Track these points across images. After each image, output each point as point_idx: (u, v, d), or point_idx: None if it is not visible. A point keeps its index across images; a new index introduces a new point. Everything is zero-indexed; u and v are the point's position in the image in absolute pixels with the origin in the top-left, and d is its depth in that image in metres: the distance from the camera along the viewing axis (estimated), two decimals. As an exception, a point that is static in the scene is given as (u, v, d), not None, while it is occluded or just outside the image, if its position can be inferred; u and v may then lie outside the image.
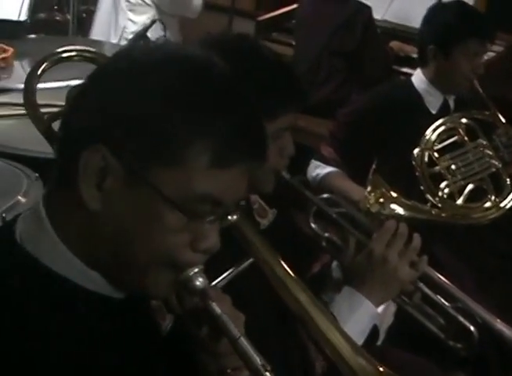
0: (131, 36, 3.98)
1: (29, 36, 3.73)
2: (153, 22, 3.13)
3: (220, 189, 1.01)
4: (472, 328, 1.81)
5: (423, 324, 1.83)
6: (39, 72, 1.75)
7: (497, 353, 2.32)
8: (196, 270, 1.06)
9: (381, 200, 2.26)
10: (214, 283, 1.18)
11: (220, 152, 0.99)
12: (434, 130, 2.59)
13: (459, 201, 2.53)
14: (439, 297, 1.82)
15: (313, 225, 1.81)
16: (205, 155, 0.99)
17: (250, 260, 1.25)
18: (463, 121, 2.61)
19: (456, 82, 2.75)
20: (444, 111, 2.77)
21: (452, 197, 2.54)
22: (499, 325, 1.83)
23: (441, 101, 2.78)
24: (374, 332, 1.72)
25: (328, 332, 1.39)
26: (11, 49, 3.23)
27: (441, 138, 2.59)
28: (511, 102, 3.07)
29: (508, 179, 2.59)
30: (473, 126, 2.61)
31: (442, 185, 2.54)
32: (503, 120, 2.69)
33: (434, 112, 2.77)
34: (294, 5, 4.59)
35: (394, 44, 4.28)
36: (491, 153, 2.60)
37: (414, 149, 2.59)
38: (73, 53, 1.80)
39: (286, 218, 1.83)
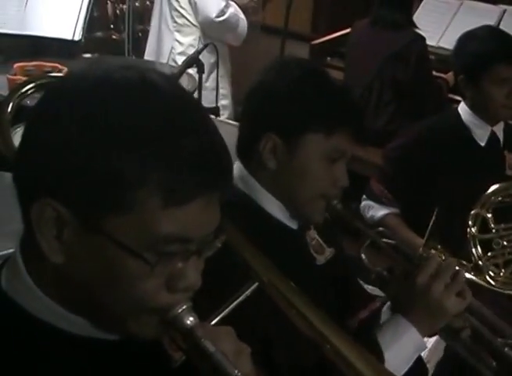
0: (178, 57, 4.09)
1: (83, 55, 3.79)
2: (205, 45, 3.14)
3: (183, 226, 0.94)
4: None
5: (472, 365, 1.78)
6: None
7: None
8: (184, 307, 1.00)
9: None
10: (215, 315, 1.13)
11: (172, 189, 0.92)
12: (493, 192, 2.55)
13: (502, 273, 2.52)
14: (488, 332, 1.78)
15: (363, 257, 1.80)
16: (156, 195, 0.91)
17: (255, 285, 1.20)
18: None
19: (492, 111, 2.69)
20: (493, 143, 2.74)
21: (497, 266, 2.53)
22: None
23: (489, 133, 2.73)
24: (422, 367, 1.70)
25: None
26: (65, 69, 3.27)
27: (499, 203, 2.55)
28: None
29: None
30: None
31: (490, 254, 2.53)
32: None
33: (482, 144, 2.73)
34: (349, 29, 4.58)
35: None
36: None
37: (464, 183, 2.58)
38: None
39: (342, 258, 1.83)
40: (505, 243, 2.53)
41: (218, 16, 3.93)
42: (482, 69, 2.61)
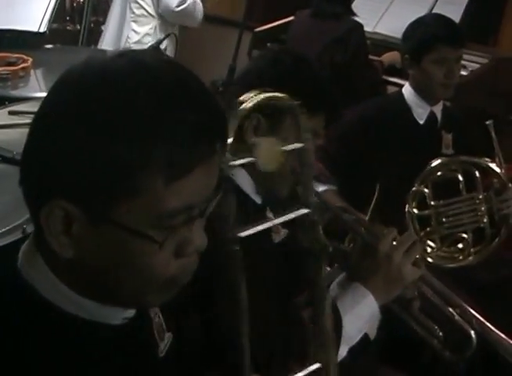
0: (133, 45, 4.28)
1: (46, 46, 3.88)
2: (167, 35, 3.29)
3: (186, 197, 0.95)
4: (472, 333, 1.82)
5: (418, 334, 1.83)
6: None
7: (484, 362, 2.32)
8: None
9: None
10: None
11: (173, 164, 0.93)
12: (434, 168, 2.62)
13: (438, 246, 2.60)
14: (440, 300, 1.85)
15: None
16: (159, 174, 0.92)
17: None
18: (465, 166, 2.63)
19: (432, 90, 2.86)
20: (431, 122, 2.91)
21: (434, 241, 2.61)
22: (495, 334, 1.85)
23: (428, 112, 2.90)
24: (366, 342, 1.73)
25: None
26: (30, 59, 3.36)
27: (436, 176, 2.62)
28: (493, 115, 3.10)
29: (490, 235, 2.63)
30: (475, 173, 2.62)
31: (427, 229, 2.61)
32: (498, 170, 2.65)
33: (421, 122, 2.90)
34: (290, 18, 4.77)
35: (390, 54, 4.41)
36: (483, 209, 2.62)
37: (403, 160, 2.71)
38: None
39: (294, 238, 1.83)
40: (443, 219, 2.62)
41: (178, 6, 4.20)
42: (425, 49, 2.81)
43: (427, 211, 2.62)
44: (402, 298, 1.77)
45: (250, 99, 1.16)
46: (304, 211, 1.22)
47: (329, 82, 1.86)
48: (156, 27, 4.35)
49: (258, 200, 1.79)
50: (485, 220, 2.63)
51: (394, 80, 4.34)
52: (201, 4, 4.36)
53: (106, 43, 4.51)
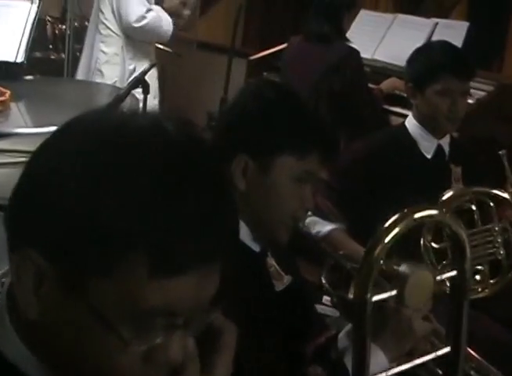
0: (103, 66, 4.23)
1: (25, 77, 3.74)
2: (152, 66, 3.16)
3: (170, 300, 0.83)
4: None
5: None
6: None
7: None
8: None
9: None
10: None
11: (161, 257, 0.81)
12: (448, 199, 2.49)
13: None
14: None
15: (324, 281, 1.79)
16: (144, 261, 0.81)
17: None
18: (480, 196, 2.52)
19: (436, 123, 2.74)
20: (439, 156, 2.78)
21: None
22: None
23: (436, 145, 2.77)
24: None
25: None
26: (8, 92, 3.20)
27: (452, 207, 2.48)
28: (502, 144, 3.02)
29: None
30: (489, 203, 2.52)
31: (443, 262, 2.49)
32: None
33: (429, 157, 2.77)
34: (284, 45, 4.64)
35: (389, 81, 4.29)
36: (500, 240, 2.52)
37: (412, 196, 2.52)
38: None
39: (299, 285, 1.81)
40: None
41: (137, 21, 4.09)
42: (429, 78, 2.67)
43: (443, 244, 2.49)
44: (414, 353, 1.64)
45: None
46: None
47: (320, 117, 1.80)
48: (123, 47, 4.25)
49: (256, 248, 1.69)
50: (502, 252, 2.52)
51: (395, 109, 4.20)
52: (170, 20, 4.26)
53: (82, 68, 4.41)
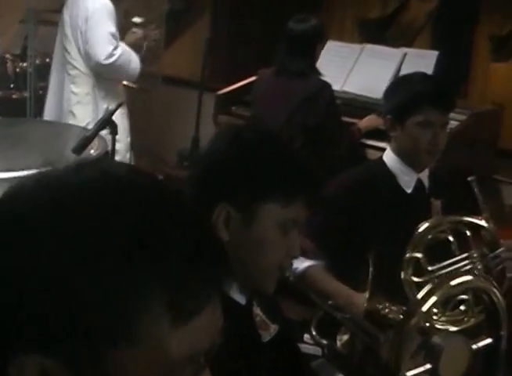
0: (74, 107, 4.20)
1: None
2: (118, 105, 3.08)
3: (195, 342, 0.79)
4: None
5: None
6: None
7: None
8: None
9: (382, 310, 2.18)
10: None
11: (177, 305, 0.76)
12: (423, 232, 2.48)
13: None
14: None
15: (314, 332, 1.74)
16: (162, 317, 0.76)
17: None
18: (457, 225, 2.50)
19: (416, 156, 2.69)
20: (419, 190, 2.73)
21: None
22: None
23: (415, 180, 2.72)
24: None
25: None
26: None
27: (430, 241, 2.49)
28: (478, 173, 2.94)
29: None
30: (466, 232, 2.49)
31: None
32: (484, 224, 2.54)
33: (409, 191, 2.72)
34: (252, 78, 4.61)
35: (368, 119, 4.24)
36: (480, 267, 2.49)
37: (393, 231, 2.55)
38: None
39: (287, 333, 1.74)
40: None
41: (107, 59, 4.06)
42: (410, 110, 2.62)
43: (425, 277, 2.47)
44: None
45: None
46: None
47: (304, 160, 1.75)
48: (94, 86, 4.21)
49: (242, 300, 1.62)
50: (485, 280, 2.42)
51: (372, 143, 4.16)
52: (137, 57, 4.26)
53: (50, 109, 4.35)
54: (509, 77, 12.64)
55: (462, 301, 2.46)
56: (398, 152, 2.71)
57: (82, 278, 0.73)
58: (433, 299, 1.25)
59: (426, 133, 2.62)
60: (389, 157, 2.75)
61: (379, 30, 8.73)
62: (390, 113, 2.70)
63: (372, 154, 4.05)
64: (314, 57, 4.11)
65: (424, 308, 1.24)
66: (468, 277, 1.31)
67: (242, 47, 6.11)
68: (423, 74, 2.86)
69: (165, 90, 5.24)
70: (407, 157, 2.70)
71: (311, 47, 4.07)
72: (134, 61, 4.20)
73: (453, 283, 1.28)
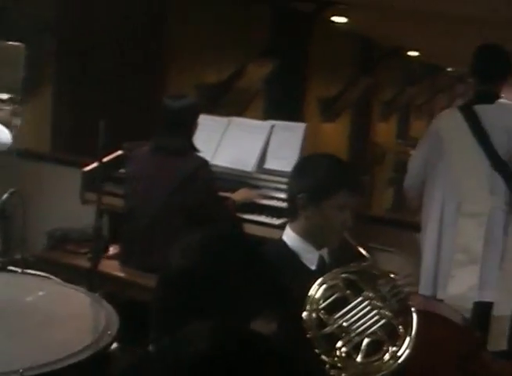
0: None
1: None
2: (11, 193, 2.90)
3: None
4: None
5: None
6: None
7: None
8: None
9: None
10: None
11: None
12: (317, 290, 2.53)
13: (358, 358, 2.46)
14: None
15: None
16: None
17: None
18: (343, 275, 2.57)
19: (327, 235, 2.72)
20: (322, 266, 2.73)
21: (350, 354, 2.47)
22: None
23: (318, 256, 2.73)
24: None
25: None
26: None
27: (325, 296, 2.52)
28: None
29: (401, 327, 2.54)
30: (354, 279, 2.58)
31: (339, 344, 2.47)
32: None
33: (313, 268, 2.72)
34: (119, 152, 4.52)
35: (241, 192, 4.26)
36: (379, 304, 2.55)
37: (297, 312, 2.49)
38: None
39: None
40: (345, 324, 2.49)
41: None
42: (329, 192, 2.65)
43: (328, 328, 2.48)
44: None
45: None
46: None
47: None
48: None
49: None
50: (388, 313, 2.53)
51: (249, 217, 4.16)
52: (6, 130, 4.12)
53: None
54: (336, 136, 13.22)
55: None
56: (305, 231, 2.71)
57: None
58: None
59: (340, 215, 2.66)
60: (290, 236, 2.74)
61: (216, 95, 8.86)
62: (302, 193, 2.69)
63: (249, 229, 4.03)
64: (191, 134, 4.05)
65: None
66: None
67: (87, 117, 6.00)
68: (334, 158, 2.88)
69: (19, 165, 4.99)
70: (315, 236, 2.71)
71: (187, 124, 4.02)
72: (3, 137, 4.08)
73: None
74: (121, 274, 3.91)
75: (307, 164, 2.82)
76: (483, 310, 3.86)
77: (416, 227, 4.27)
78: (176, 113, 3.97)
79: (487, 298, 3.89)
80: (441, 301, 3.83)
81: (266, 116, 9.97)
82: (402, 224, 4.97)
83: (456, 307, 3.48)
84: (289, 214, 2.78)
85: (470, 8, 7.77)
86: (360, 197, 2.78)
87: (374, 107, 14.74)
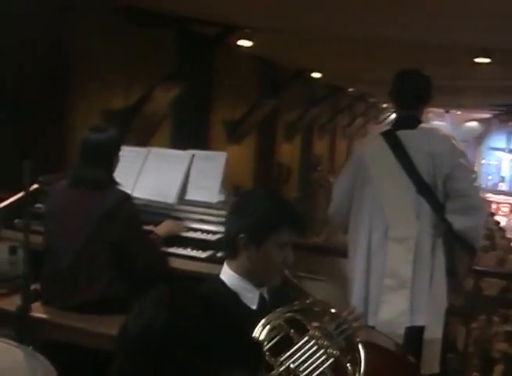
0: None
1: None
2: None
3: None
4: None
5: None
6: None
7: None
8: None
9: None
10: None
11: None
12: (261, 331, 2.46)
13: None
14: None
15: None
16: None
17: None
18: (287, 315, 2.52)
19: (268, 274, 2.67)
20: (263, 305, 2.68)
21: None
22: None
23: (258, 295, 2.68)
24: None
25: None
26: None
27: (269, 337, 2.46)
28: None
29: (349, 365, 2.49)
30: (299, 318, 2.53)
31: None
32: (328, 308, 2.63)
33: (254, 308, 2.67)
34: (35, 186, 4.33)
35: (164, 225, 4.14)
36: (326, 343, 2.49)
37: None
38: None
39: None
40: (292, 366, 2.42)
41: None
42: (270, 232, 2.60)
43: (275, 372, 2.39)
44: None
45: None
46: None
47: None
48: None
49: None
50: (335, 352, 2.48)
51: (174, 251, 4.05)
52: None
53: None
54: (242, 157, 13.24)
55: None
56: (246, 270, 2.66)
57: None
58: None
59: (282, 253, 2.63)
60: (229, 274, 2.68)
61: (123, 121, 8.70)
62: (242, 233, 2.63)
63: (175, 263, 3.94)
64: (111, 168, 3.91)
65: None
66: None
67: None
68: (271, 193, 2.83)
69: None
70: (256, 274, 2.66)
71: (107, 157, 3.88)
72: None
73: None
74: (45, 316, 3.72)
75: (245, 202, 2.74)
76: (415, 335, 3.88)
77: (341, 253, 4.27)
78: (95, 146, 3.83)
79: (418, 322, 3.90)
80: (373, 327, 3.80)
81: (173, 139, 9.89)
82: (324, 250, 4.96)
83: (387, 333, 3.44)
84: (228, 253, 2.71)
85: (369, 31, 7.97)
86: (302, 233, 2.73)
87: (278, 128, 14.85)
